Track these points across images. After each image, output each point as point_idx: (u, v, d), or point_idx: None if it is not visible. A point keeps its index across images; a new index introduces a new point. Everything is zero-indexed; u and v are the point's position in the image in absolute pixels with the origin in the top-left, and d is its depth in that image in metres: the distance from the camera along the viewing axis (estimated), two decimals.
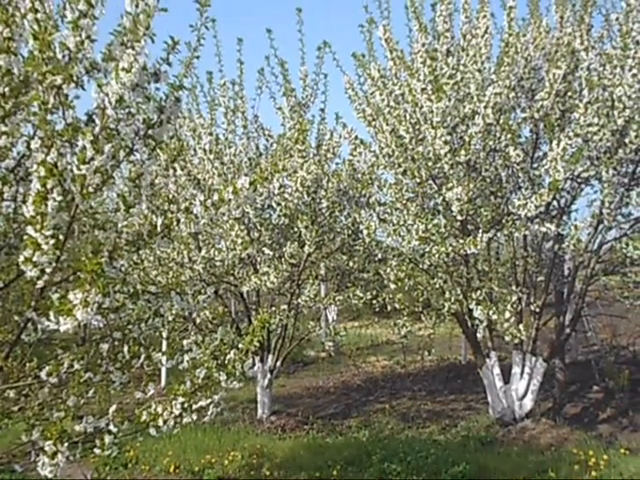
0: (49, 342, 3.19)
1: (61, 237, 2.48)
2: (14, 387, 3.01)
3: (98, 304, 2.40)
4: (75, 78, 2.65)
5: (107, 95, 2.49)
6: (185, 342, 3.23)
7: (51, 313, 2.35)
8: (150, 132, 2.83)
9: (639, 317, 9.35)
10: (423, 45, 6.05)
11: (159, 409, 2.93)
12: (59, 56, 2.62)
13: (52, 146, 2.31)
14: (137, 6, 2.45)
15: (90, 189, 2.57)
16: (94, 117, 2.72)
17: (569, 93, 6.36)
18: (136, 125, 2.81)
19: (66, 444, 2.53)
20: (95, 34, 2.62)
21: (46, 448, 2.52)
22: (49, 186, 2.28)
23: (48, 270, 2.39)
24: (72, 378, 2.97)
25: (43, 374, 2.74)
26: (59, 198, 2.29)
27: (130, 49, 2.45)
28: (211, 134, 7.29)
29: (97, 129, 2.59)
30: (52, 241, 2.30)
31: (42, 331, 2.91)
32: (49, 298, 2.55)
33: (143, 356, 3.03)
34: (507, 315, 5.94)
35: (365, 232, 6.59)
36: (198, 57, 3.07)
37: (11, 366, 2.96)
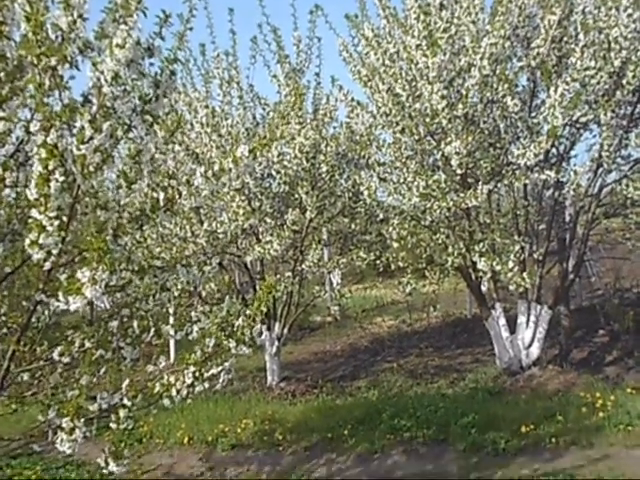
0: (57, 326, 3.23)
1: (65, 218, 2.50)
2: (27, 370, 3.06)
3: (106, 281, 2.43)
4: (69, 58, 2.64)
5: (102, 73, 2.48)
6: (193, 313, 3.28)
7: (60, 293, 2.38)
8: (147, 107, 2.83)
9: None
10: (416, 0, 5.97)
11: (172, 379, 2.98)
12: (52, 37, 2.60)
13: (51, 127, 2.30)
14: None
15: (91, 169, 2.58)
16: (90, 97, 2.71)
17: (565, 38, 6.30)
18: (132, 102, 2.80)
19: (82, 420, 2.59)
20: (87, 12, 2.60)
21: (64, 425, 2.58)
22: (51, 167, 2.28)
23: (54, 252, 2.41)
24: (83, 357, 3.02)
25: (55, 354, 2.79)
26: (61, 179, 2.30)
27: (123, 24, 2.43)
28: (207, 107, 7.21)
29: (94, 108, 2.59)
30: (56, 222, 2.32)
31: (51, 314, 2.95)
32: (57, 280, 2.58)
33: (153, 330, 3.08)
34: (511, 265, 5.99)
35: (366, 193, 6.59)
36: (191, 29, 3.04)
37: (23, 350, 3.00)
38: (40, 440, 3.76)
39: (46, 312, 2.85)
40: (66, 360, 2.80)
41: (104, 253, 2.29)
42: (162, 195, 2.80)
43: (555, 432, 5.38)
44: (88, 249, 2.32)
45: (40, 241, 2.34)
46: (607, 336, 8.31)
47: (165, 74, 2.86)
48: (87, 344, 2.86)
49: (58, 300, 2.39)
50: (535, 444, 5.31)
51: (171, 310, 4.16)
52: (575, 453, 5.10)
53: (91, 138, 2.52)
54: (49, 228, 2.32)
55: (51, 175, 2.28)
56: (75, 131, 2.57)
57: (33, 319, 2.77)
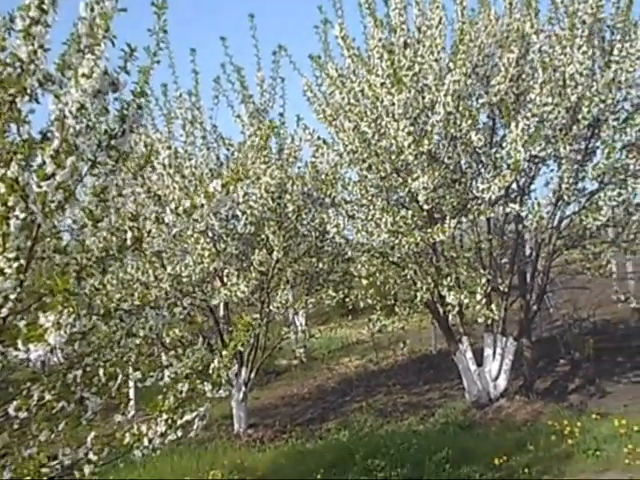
0: (7, 383, 2.97)
1: (23, 261, 2.32)
2: None
3: (71, 326, 2.25)
4: (29, 91, 2.50)
5: (66, 104, 2.34)
6: (164, 357, 3.08)
7: (19, 341, 2.17)
8: (113, 143, 2.70)
9: (599, 288, 9.60)
10: (380, 40, 6.09)
11: (143, 428, 2.78)
12: (10, 69, 2.47)
13: (12, 160, 2.14)
14: (92, 10, 2.32)
15: (52, 207, 2.42)
16: (50, 134, 2.57)
17: (522, 76, 6.53)
18: (97, 137, 2.67)
19: None
20: (48, 43, 2.47)
21: None
22: (11, 203, 2.11)
23: (12, 296, 2.22)
24: (38, 411, 2.78)
25: (11, 410, 2.54)
26: (22, 216, 2.12)
27: (89, 54, 2.31)
28: (169, 148, 7.09)
29: (56, 142, 2.44)
30: (15, 264, 2.14)
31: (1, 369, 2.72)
32: (14, 327, 2.38)
33: (120, 377, 2.87)
34: (478, 297, 6.10)
35: (334, 230, 6.61)
36: (158, 62, 2.94)
37: None
38: None
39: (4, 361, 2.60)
40: (23, 415, 2.56)
41: (70, 295, 2.12)
42: (129, 234, 2.64)
43: (527, 462, 5.38)
44: (49, 293, 2.13)
45: None
46: (568, 365, 8.46)
47: (132, 108, 2.75)
48: (47, 396, 2.63)
49: (17, 349, 2.18)
50: (508, 475, 5.28)
51: (132, 358, 3.95)
52: None
53: (53, 174, 2.37)
54: (7, 270, 2.13)
55: (11, 212, 2.11)
56: (34, 168, 2.42)
57: None
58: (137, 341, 3.31)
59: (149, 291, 6.44)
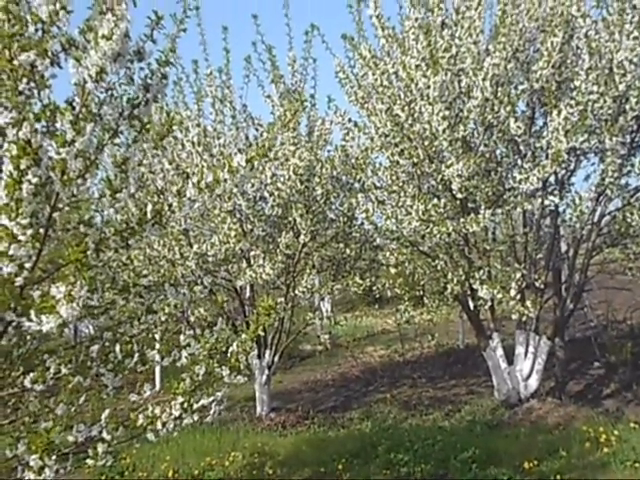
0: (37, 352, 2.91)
1: (41, 230, 2.24)
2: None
3: (84, 299, 2.16)
4: (50, 54, 2.41)
5: (87, 68, 2.25)
6: (182, 337, 3.00)
7: (32, 312, 2.09)
8: (135, 112, 2.60)
9: (637, 290, 9.29)
10: (416, 20, 5.90)
11: (157, 411, 2.70)
12: (31, 29, 2.38)
13: (24, 120, 2.05)
14: None
15: (71, 175, 2.33)
16: (74, 103, 2.48)
17: (566, 63, 6.25)
18: (120, 106, 2.58)
19: (54, 457, 2.27)
20: (70, 4, 2.38)
21: (31, 463, 2.25)
22: (23, 167, 2.02)
23: (27, 265, 2.14)
24: (64, 385, 2.73)
25: (27, 382, 2.47)
26: (35, 180, 2.03)
27: (109, 14, 2.20)
28: (199, 125, 7.06)
29: (77, 108, 2.35)
30: (30, 231, 2.05)
31: (33, 338, 2.66)
32: (31, 298, 2.30)
33: (137, 355, 2.79)
34: (513, 293, 5.92)
35: (363, 215, 6.50)
36: (185, 30, 2.84)
37: None
38: (8, 476, 3.41)
39: (20, 332, 2.55)
40: (39, 388, 2.49)
41: (82, 266, 2.02)
42: (150, 207, 2.55)
43: (559, 468, 5.14)
44: (64, 261, 2.05)
45: (10, 252, 2.07)
46: (603, 368, 8.18)
47: (156, 77, 2.65)
48: (63, 370, 2.57)
49: (30, 320, 2.10)
50: None
51: (157, 336, 3.90)
52: None
53: (73, 141, 2.28)
54: (21, 237, 2.05)
55: (23, 176, 2.02)
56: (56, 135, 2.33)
57: (3, 341, 2.47)
58: (162, 318, 3.24)
59: (175, 269, 6.41)
